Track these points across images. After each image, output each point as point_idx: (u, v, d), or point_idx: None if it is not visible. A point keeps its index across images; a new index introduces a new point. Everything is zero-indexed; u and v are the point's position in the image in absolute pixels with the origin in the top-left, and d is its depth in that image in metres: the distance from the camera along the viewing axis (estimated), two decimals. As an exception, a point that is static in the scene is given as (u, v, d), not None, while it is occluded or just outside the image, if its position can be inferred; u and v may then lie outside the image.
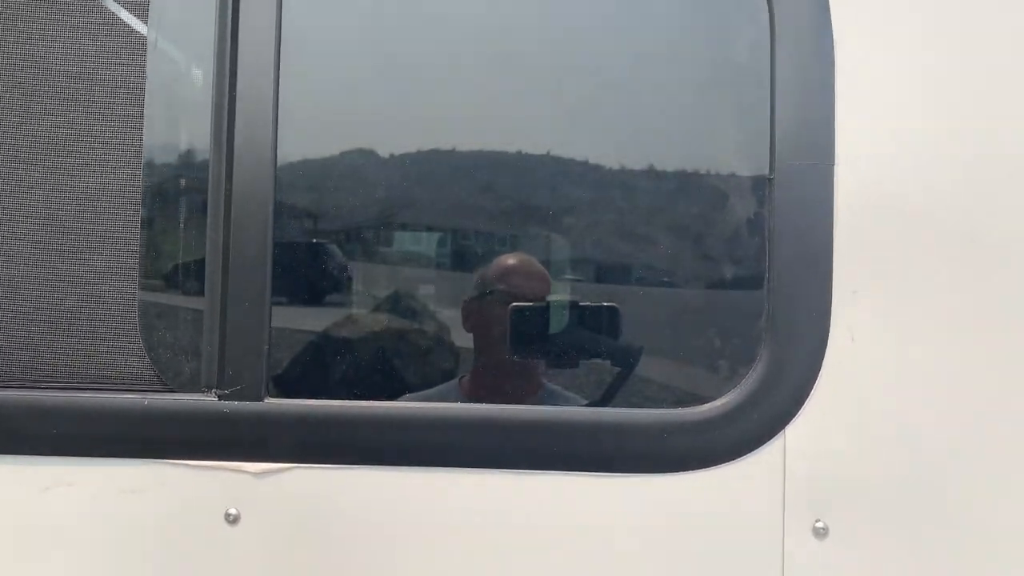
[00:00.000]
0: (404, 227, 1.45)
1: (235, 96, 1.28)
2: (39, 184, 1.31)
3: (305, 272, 1.38)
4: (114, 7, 1.33)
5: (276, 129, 1.29)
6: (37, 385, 1.30)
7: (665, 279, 1.36)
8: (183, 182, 1.37)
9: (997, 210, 1.24)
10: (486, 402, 1.34)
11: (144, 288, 1.31)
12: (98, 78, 1.31)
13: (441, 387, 1.40)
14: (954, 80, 1.25)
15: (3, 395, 1.29)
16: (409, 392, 1.38)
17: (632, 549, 1.25)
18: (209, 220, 1.29)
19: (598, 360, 1.36)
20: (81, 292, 1.30)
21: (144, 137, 1.31)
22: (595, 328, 1.34)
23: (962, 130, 1.24)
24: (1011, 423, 1.23)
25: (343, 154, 1.39)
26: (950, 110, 1.25)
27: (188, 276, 1.34)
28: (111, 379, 1.30)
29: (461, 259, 1.43)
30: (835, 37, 1.25)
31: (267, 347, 1.27)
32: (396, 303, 1.43)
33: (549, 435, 1.26)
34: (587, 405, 1.35)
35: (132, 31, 1.33)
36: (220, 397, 1.27)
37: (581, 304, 1.35)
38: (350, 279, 1.43)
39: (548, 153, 1.36)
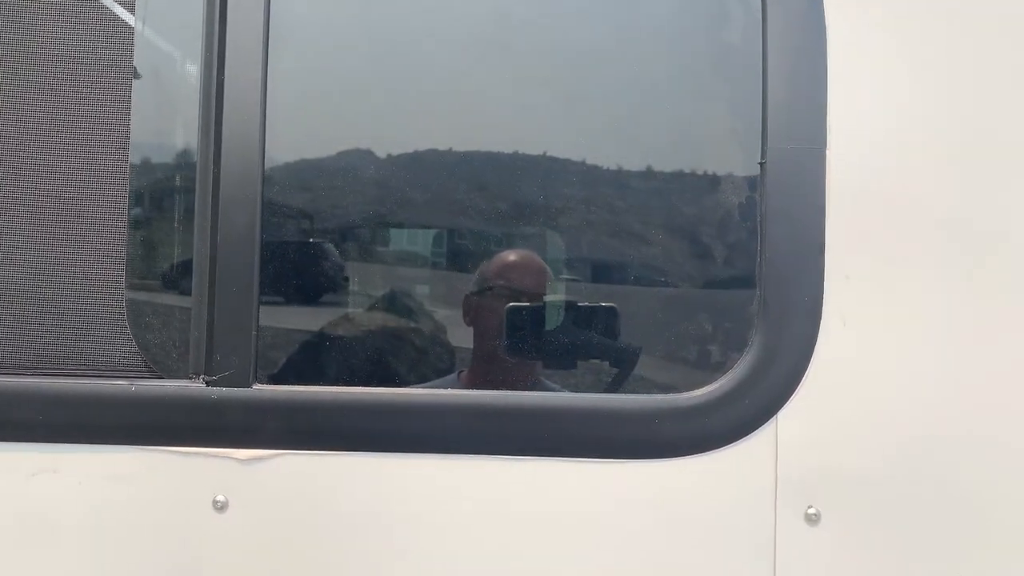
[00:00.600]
0: (394, 218, 1.44)
1: (223, 88, 1.27)
2: (27, 173, 1.30)
3: (293, 260, 1.38)
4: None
5: (264, 115, 1.28)
6: (24, 371, 1.29)
7: (657, 267, 1.35)
8: (171, 170, 1.36)
9: (988, 194, 1.23)
10: None
11: (132, 275, 1.30)
12: (85, 68, 1.31)
13: (440, 380, 1.40)
14: (946, 65, 1.24)
15: (-10, 381, 1.28)
16: (407, 386, 1.37)
17: (625, 534, 1.24)
18: (197, 207, 1.28)
19: (594, 351, 1.35)
20: (69, 278, 1.29)
21: (132, 126, 1.30)
22: (591, 321, 1.34)
23: (953, 114, 1.24)
24: (1001, 409, 1.23)
25: (331, 140, 1.39)
26: (942, 95, 1.24)
27: (176, 263, 1.33)
28: (98, 365, 1.29)
29: (453, 255, 1.43)
30: (827, 21, 1.25)
31: (255, 333, 1.26)
32: (387, 294, 1.43)
33: (540, 421, 1.25)
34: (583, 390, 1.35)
35: (119, 22, 1.32)
36: (208, 383, 1.26)
37: (578, 301, 1.35)
38: (340, 268, 1.42)
39: (538, 139, 1.35)
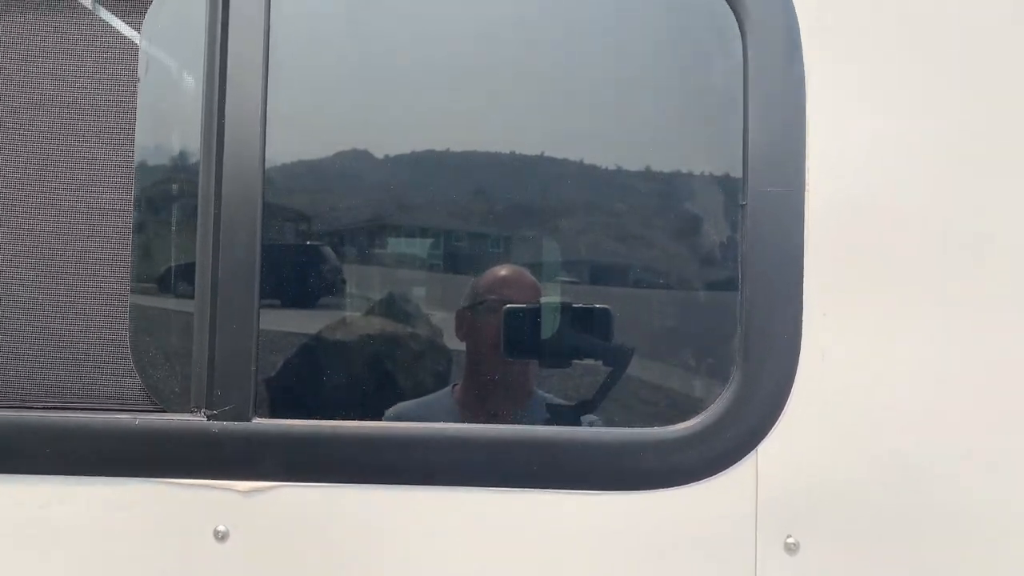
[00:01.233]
0: (388, 254, 1.48)
1: (223, 132, 1.32)
2: (31, 205, 1.35)
3: (292, 297, 1.42)
4: (107, 15, 1.37)
5: (264, 155, 1.32)
6: (33, 405, 1.34)
7: (643, 302, 1.40)
8: (174, 207, 1.41)
9: (961, 233, 1.28)
10: (477, 409, 1.40)
11: (135, 311, 1.35)
12: (90, 106, 1.36)
13: (434, 394, 1.45)
14: (921, 112, 1.29)
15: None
16: (403, 400, 1.42)
17: (606, 565, 1.29)
18: (198, 244, 1.33)
19: (583, 372, 1.40)
20: (76, 317, 1.34)
21: (135, 159, 1.35)
22: (579, 341, 1.39)
23: (928, 160, 1.28)
24: (979, 439, 1.27)
25: (330, 180, 1.43)
26: (916, 143, 1.29)
27: (178, 300, 1.37)
28: (103, 399, 1.34)
29: (453, 269, 1.47)
30: (806, 71, 1.29)
31: (254, 369, 1.31)
32: (379, 331, 1.47)
33: (528, 453, 1.30)
34: (572, 409, 1.39)
35: (123, 39, 1.36)
36: (209, 417, 1.30)
37: (570, 312, 1.40)
38: (336, 306, 1.47)
39: (529, 175, 1.40)
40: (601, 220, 1.40)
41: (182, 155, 1.38)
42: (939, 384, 1.27)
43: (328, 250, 1.45)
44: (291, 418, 1.32)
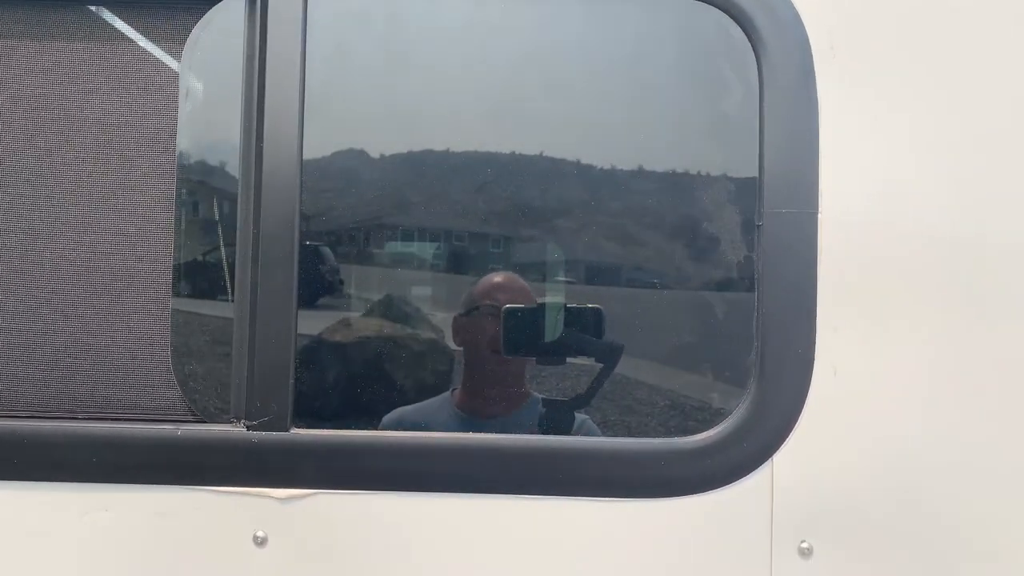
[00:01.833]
0: (417, 273, 1.54)
1: (262, 154, 1.37)
2: (75, 220, 1.41)
3: (329, 312, 1.48)
4: (146, 44, 1.43)
5: (301, 175, 1.38)
6: (78, 415, 1.39)
7: (664, 319, 1.45)
8: (215, 222, 1.46)
9: (975, 255, 1.34)
10: (477, 411, 1.47)
11: (176, 324, 1.40)
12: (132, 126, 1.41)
13: (434, 399, 1.50)
14: (932, 134, 1.35)
15: (46, 425, 1.37)
16: (403, 405, 1.47)
17: (627, 569, 1.35)
18: (238, 260, 1.38)
19: (580, 352, 1.46)
20: (121, 330, 1.39)
21: (176, 174, 1.40)
22: (581, 340, 1.45)
23: (939, 179, 1.34)
24: (988, 448, 1.33)
25: (365, 204, 1.49)
26: (927, 163, 1.34)
27: (217, 316, 1.43)
28: (146, 410, 1.40)
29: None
30: (819, 93, 1.35)
31: (293, 381, 1.36)
32: (407, 347, 1.52)
33: (551, 461, 1.36)
34: (566, 406, 1.45)
35: (164, 67, 1.42)
36: (248, 428, 1.36)
37: (566, 318, 1.46)
38: (373, 320, 1.52)
39: (536, 204, 1.45)
40: (623, 242, 1.46)
41: (221, 175, 1.44)
42: (948, 397, 1.33)
43: (363, 267, 1.51)
44: (327, 428, 1.37)
